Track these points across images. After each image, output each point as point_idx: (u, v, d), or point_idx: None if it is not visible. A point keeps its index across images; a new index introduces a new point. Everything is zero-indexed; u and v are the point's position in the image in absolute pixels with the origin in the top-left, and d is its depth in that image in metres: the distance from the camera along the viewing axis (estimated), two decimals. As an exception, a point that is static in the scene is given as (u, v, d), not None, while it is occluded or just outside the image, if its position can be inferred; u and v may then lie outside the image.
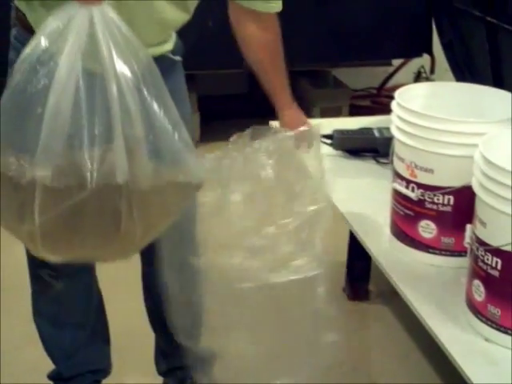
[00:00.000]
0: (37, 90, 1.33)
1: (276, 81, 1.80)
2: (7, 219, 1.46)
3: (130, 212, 1.35)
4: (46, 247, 1.42)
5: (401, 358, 2.34)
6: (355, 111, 3.90)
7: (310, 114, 3.86)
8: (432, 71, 4.01)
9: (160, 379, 2.14)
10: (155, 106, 1.35)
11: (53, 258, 1.46)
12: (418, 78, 4.11)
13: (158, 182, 1.38)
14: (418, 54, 3.82)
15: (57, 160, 1.32)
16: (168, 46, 1.67)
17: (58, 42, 1.33)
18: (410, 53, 3.87)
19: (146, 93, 1.34)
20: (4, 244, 2.75)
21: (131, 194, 1.35)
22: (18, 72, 1.37)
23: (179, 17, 1.62)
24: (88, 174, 1.31)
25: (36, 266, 1.84)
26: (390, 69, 4.20)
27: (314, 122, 2.31)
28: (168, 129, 1.37)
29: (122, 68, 1.32)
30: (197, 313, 2.01)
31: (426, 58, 3.86)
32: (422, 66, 4.08)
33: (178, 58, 1.73)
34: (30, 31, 1.60)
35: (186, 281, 1.90)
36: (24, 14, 1.62)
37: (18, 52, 1.63)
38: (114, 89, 1.31)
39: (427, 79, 4.00)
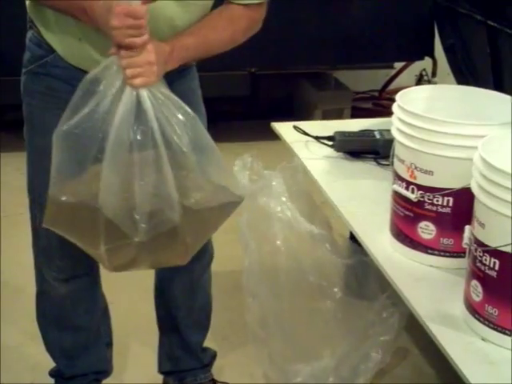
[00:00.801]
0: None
1: (197, 34, 1.64)
2: (76, 237, 1.59)
3: (185, 233, 1.53)
4: (112, 265, 1.58)
5: (399, 358, 2.35)
6: (357, 113, 3.92)
7: (311, 116, 3.89)
8: (434, 74, 4.03)
9: (159, 377, 2.16)
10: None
11: (119, 271, 1.63)
12: (420, 80, 4.13)
13: (207, 205, 1.55)
14: (420, 57, 3.84)
15: (115, 208, 1.48)
16: None
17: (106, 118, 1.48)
18: (412, 56, 3.89)
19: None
20: (6, 244, 2.78)
21: (185, 221, 1.51)
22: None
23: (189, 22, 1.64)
24: (141, 229, 1.48)
25: (41, 268, 1.86)
26: (392, 71, 4.22)
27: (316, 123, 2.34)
28: (213, 157, 1.57)
29: (171, 139, 1.49)
30: (206, 310, 2.04)
31: (427, 61, 3.88)
32: (424, 69, 4.10)
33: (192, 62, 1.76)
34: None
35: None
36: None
37: (32, 53, 1.68)
38: (164, 158, 1.49)
39: (429, 82, 4.02)
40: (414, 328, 2.12)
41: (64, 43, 1.63)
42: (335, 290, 2.15)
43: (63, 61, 1.64)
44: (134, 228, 1.48)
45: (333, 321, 2.11)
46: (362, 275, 2.19)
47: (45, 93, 1.68)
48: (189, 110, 1.53)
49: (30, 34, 1.70)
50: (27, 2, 1.67)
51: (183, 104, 1.53)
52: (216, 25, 1.65)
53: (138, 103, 1.48)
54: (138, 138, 1.48)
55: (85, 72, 1.60)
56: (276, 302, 2.09)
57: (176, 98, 1.53)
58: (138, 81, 1.47)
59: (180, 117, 1.51)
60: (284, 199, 2.19)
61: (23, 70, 1.71)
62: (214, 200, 1.58)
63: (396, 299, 2.02)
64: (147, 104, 1.49)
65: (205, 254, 1.93)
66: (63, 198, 1.53)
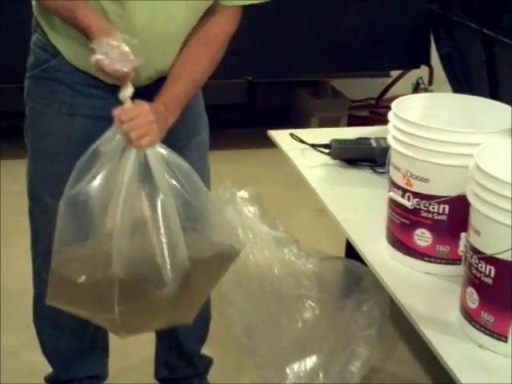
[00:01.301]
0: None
1: (182, 77, 1.65)
2: (83, 308, 1.62)
3: (193, 286, 1.57)
4: (125, 329, 1.59)
5: (396, 364, 2.36)
6: (354, 121, 3.93)
7: (308, 124, 3.90)
8: (430, 82, 4.04)
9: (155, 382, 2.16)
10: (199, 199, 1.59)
11: (131, 335, 1.64)
12: (417, 89, 4.14)
13: (209, 253, 1.60)
14: (417, 66, 3.85)
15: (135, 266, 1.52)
16: None
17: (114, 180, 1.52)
18: (408, 64, 3.90)
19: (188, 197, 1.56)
20: (3, 251, 2.78)
21: (194, 273, 1.55)
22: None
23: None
24: (167, 277, 1.51)
25: (40, 271, 1.86)
26: (389, 80, 4.23)
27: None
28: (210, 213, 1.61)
29: (174, 189, 1.54)
30: (205, 319, 2.04)
31: (424, 69, 3.89)
32: (421, 78, 4.10)
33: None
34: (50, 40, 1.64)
35: None
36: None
37: (36, 57, 1.69)
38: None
39: (425, 90, 4.02)
40: (410, 334, 2.13)
41: (70, 45, 1.63)
42: (311, 291, 2.17)
43: (67, 65, 1.65)
44: (161, 278, 1.52)
45: (314, 321, 2.13)
46: (333, 274, 2.24)
47: (48, 97, 1.69)
48: (185, 165, 1.57)
49: (34, 37, 1.71)
50: (33, 3, 1.68)
51: (180, 160, 1.57)
52: (197, 56, 1.65)
53: (145, 165, 1.52)
54: (147, 199, 1.53)
55: (88, 76, 1.61)
56: (254, 308, 2.12)
57: (174, 156, 1.56)
58: (144, 141, 1.49)
59: (179, 176, 1.56)
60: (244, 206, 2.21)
61: (27, 75, 1.72)
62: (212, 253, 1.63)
63: (372, 291, 2.07)
64: (155, 165, 1.52)
65: None
66: (71, 275, 1.55)
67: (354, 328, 2.11)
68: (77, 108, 1.67)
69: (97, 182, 1.51)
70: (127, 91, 1.48)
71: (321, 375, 2.10)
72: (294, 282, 2.16)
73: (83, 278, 1.54)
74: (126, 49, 1.43)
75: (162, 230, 1.51)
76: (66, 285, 1.58)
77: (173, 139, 1.62)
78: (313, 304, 2.14)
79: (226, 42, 1.69)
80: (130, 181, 1.51)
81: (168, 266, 1.52)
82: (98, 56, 1.42)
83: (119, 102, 1.53)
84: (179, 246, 1.53)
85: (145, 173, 1.51)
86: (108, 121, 1.60)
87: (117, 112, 1.49)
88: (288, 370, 2.09)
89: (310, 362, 2.11)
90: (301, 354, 2.11)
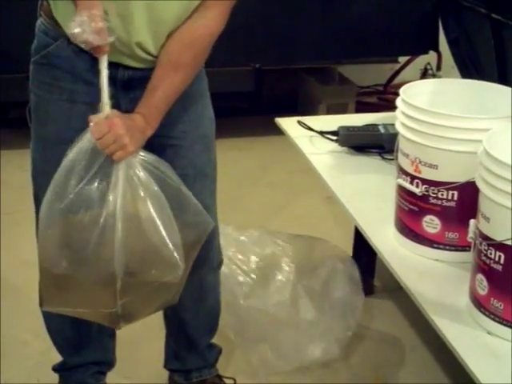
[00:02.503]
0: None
1: (162, 84, 1.63)
2: (80, 307, 1.66)
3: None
4: (126, 320, 1.65)
5: (406, 352, 2.35)
6: (362, 108, 3.91)
7: (316, 111, 3.89)
8: (438, 68, 4.02)
9: (165, 372, 2.16)
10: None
11: (128, 324, 1.69)
12: (425, 74, 4.12)
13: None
14: (425, 51, 3.83)
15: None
16: None
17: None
18: (416, 50, 3.88)
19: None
20: (8, 242, 2.78)
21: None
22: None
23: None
24: (176, 260, 1.58)
25: None
26: (397, 66, 4.20)
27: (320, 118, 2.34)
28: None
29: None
30: (214, 313, 2.05)
31: (432, 54, 3.86)
32: (429, 63, 4.08)
33: None
34: (53, 20, 1.64)
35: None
36: (48, 3, 1.65)
37: (39, 42, 1.69)
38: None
39: (434, 76, 4.00)
40: (420, 322, 2.13)
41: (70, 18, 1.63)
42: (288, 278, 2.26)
43: (66, 49, 1.64)
44: (172, 262, 1.58)
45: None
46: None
47: (49, 83, 1.69)
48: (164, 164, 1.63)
49: (38, 22, 1.72)
50: None
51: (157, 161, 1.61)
52: (178, 62, 1.63)
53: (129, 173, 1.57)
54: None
55: (87, 61, 1.61)
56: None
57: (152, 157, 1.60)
58: (117, 156, 1.55)
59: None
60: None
61: (31, 60, 1.73)
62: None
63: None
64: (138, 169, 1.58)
65: (213, 258, 1.93)
66: (63, 270, 1.59)
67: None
68: (77, 94, 1.67)
69: (84, 191, 1.57)
70: (103, 64, 1.55)
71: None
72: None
73: (80, 275, 1.59)
74: (101, 24, 1.50)
75: (159, 221, 1.57)
76: (59, 286, 1.63)
77: (175, 132, 1.62)
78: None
79: (211, 43, 1.66)
80: (123, 189, 1.57)
81: (174, 250, 1.58)
82: (74, 24, 1.49)
83: (118, 90, 1.61)
84: (174, 230, 1.58)
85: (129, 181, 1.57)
86: None
87: (91, 129, 1.55)
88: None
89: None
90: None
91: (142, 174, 1.57)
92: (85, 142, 1.56)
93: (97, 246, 1.56)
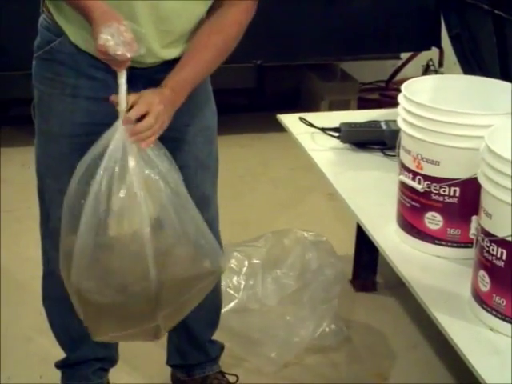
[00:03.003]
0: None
1: (191, 61, 1.64)
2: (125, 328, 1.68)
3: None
4: (167, 328, 1.70)
5: (409, 349, 2.35)
6: (364, 104, 3.91)
7: (318, 108, 3.88)
8: (440, 64, 4.01)
9: (167, 369, 2.16)
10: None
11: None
12: (427, 71, 4.11)
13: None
14: (427, 48, 3.82)
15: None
16: None
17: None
18: (418, 46, 3.87)
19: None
20: (9, 239, 2.78)
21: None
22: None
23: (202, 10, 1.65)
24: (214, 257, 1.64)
25: (49, 250, 1.87)
26: (399, 62, 4.20)
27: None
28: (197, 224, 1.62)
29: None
30: (216, 308, 2.05)
31: (434, 51, 3.86)
32: (431, 59, 4.08)
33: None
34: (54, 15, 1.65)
35: None
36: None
37: (42, 38, 1.70)
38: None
39: (436, 72, 4.00)
40: (422, 318, 2.13)
41: (73, 25, 1.64)
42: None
43: (69, 45, 1.65)
44: (212, 260, 1.64)
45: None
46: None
47: (52, 78, 1.70)
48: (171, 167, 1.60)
49: (41, 18, 1.72)
50: None
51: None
52: (208, 44, 1.65)
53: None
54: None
55: (90, 57, 1.61)
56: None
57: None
58: (144, 144, 1.53)
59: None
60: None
61: (34, 56, 1.73)
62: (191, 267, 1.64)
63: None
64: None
65: None
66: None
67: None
68: (80, 89, 1.67)
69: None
70: (122, 79, 1.50)
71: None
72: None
73: (123, 298, 1.58)
74: (131, 36, 1.45)
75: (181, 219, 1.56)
76: (105, 313, 1.63)
77: (176, 124, 1.61)
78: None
79: (241, 31, 1.68)
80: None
81: (207, 246, 1.62)
82: (105, 36, 1.43)
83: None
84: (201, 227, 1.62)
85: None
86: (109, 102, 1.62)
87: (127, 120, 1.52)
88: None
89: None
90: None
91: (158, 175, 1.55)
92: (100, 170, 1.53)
93: (133, 264, 1.56)
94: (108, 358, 2.06)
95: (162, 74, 1.62)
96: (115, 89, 1.52)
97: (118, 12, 1.51)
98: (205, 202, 1.82)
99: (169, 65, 1.65)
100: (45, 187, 1.80)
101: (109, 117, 1.65)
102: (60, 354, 2.05)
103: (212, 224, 1.78)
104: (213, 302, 2.03)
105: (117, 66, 1.49)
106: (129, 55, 1.45)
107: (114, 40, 1.43)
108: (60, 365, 2.06)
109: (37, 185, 1.83)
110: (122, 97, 1.51)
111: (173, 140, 1.70)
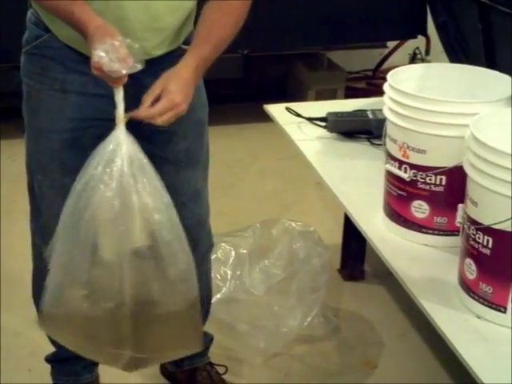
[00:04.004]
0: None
1: (209, 40, 1.64)
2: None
3: None
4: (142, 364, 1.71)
5: (397, 337, 2.36)
6: (351, 93, 3.90)
7: (305, 97, 3.88)
8: (427, 53, 4.01)
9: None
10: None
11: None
12: (414, 59, 4.11)
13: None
14: (413, 36, 3.82)
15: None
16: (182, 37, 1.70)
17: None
18: (404, 34, 3.87)
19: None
20: (1, 233, 2.77)
21: None
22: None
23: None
24: None
25: (39, 245, 1.86)
26: (386, 51, 4.20)
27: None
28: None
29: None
30: (206, 298, 2.05)
31: (421, 39, 3.86)
32: (418, 48, 4.08)
33: (185, 47, 1.75)
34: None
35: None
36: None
37: (30, 33, 1.69)
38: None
39: (422, 61, 4.00)
40: (410, 307, 2.13)
41: (59, 24, 1.62)
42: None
43: (57, 41, 1.64)
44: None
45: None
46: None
47: (41, 73, 1.69)
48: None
49: (29, 13, 1.71)
50: None
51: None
52: (224, 24, 1.64)
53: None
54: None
55: (79, 53, 1.60)
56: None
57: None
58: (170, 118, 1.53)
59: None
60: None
61: (22, 50, 1.72)
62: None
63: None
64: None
65: (202, 244, 1.92)
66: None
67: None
68: (69, 85, 1.66)
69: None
70: (119, 96, 1.49)
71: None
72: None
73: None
74: (126, 51, 1.43)
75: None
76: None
77: None
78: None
79: (247, 11, 1.68)
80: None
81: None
82: (99, 53, 1.42)
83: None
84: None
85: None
86: (100, 97, 1.61)
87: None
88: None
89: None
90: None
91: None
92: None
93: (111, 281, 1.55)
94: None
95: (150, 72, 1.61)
96: (104, 84, 1.50)
97: (107, 14, 1.51)
98: (196, 197, 1.82)
99: (155, 62, 1.64)
100: (35, 183, 1.78)
101: (99, 112, 1.65)
102: (49, 348, 2.04)
103: (203, 218, 1.77)
104: (203, 292, 2.03)
105: (113, 83, 1.48)
106: (124, 71, 1.43)
107: (109, 56, 1.41)
108: (50, 359, 2.06)
109: (27, 180, 1.82)
110: (120, 114, 1.50)
111: (164, 133, 1.70)
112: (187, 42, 1.69)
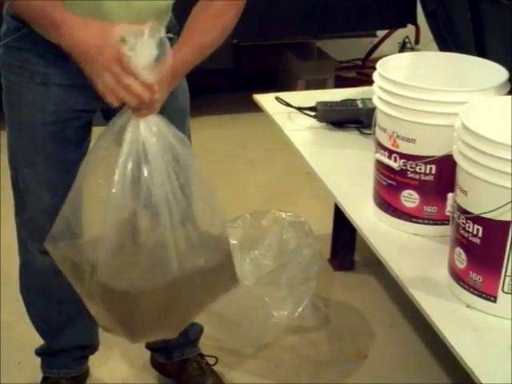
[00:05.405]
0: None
1: (188, 43, 1.62)
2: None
3: None
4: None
5: (388, 327, 2.37)
6: (341, 83, 3.90)
7: (295, 87, 3.87)
8: (417, 41, 4.01)
9: (147, 352, 2.16)
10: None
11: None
12: (403, 48, 4.12)
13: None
14: (403, 25, 3.82)
15: None
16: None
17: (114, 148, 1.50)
18: (394, 23, 3.86)
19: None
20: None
21: None
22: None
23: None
24: None
25: (25, 240, 1.85)
26: (375, 40, 4.19)
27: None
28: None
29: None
30: None
31: (411, 28, 3.86)
32: (407, 37, 4.08)
33: (170, 35, 1.73)
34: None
35: None
36: None
37: (8, 26, 1.69)
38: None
39: (412, 49, 4.00)
40: (400, 297, 2.13)
41: None
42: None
43: (36, 34, 1.62)
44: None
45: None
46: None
47: (21, 66, 1.67)
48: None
49: (6, 5, 1.68)
50: None
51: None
52: (207, 27, 1.62)
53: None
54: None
55: (56, 45, 1.58)
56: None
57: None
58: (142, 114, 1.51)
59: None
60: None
61: (1, 43, 1.70)
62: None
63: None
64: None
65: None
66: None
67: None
68: (50, 77, 1.65)
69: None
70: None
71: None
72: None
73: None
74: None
75: None
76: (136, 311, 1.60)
77: None
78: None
79: (239, 12, 1.67)
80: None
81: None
82: (127, 51, 1.41)
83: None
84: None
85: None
86: (81, 88, 1.61)
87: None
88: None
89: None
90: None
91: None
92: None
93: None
94: (89, 345, 2.06)
95: None
96: (84, 75, 1.49)
97: (90, 16, 1.49)
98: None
99: None
100: (19, 177, 1.77)
101: (80, 103, 1.64)
102: (40, 341, 2.04)
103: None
104: None
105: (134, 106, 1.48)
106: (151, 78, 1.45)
107: (136, 50, 1.41)
108: (40, 352, 2.05)
109: (10, 175, 1.80)
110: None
111: None
112: (168, 30, 1.68)
